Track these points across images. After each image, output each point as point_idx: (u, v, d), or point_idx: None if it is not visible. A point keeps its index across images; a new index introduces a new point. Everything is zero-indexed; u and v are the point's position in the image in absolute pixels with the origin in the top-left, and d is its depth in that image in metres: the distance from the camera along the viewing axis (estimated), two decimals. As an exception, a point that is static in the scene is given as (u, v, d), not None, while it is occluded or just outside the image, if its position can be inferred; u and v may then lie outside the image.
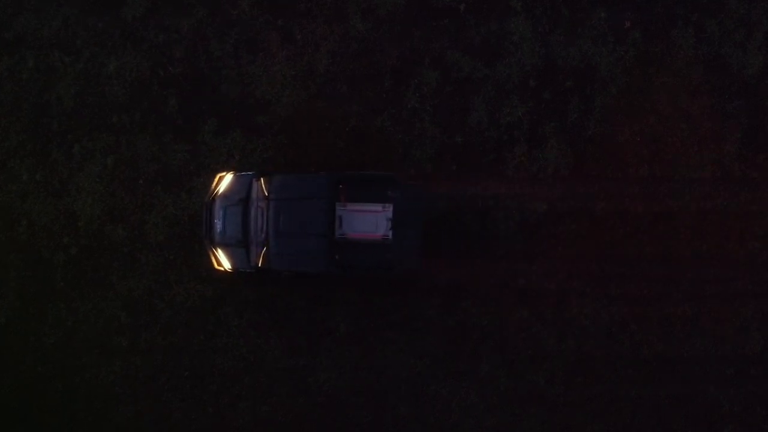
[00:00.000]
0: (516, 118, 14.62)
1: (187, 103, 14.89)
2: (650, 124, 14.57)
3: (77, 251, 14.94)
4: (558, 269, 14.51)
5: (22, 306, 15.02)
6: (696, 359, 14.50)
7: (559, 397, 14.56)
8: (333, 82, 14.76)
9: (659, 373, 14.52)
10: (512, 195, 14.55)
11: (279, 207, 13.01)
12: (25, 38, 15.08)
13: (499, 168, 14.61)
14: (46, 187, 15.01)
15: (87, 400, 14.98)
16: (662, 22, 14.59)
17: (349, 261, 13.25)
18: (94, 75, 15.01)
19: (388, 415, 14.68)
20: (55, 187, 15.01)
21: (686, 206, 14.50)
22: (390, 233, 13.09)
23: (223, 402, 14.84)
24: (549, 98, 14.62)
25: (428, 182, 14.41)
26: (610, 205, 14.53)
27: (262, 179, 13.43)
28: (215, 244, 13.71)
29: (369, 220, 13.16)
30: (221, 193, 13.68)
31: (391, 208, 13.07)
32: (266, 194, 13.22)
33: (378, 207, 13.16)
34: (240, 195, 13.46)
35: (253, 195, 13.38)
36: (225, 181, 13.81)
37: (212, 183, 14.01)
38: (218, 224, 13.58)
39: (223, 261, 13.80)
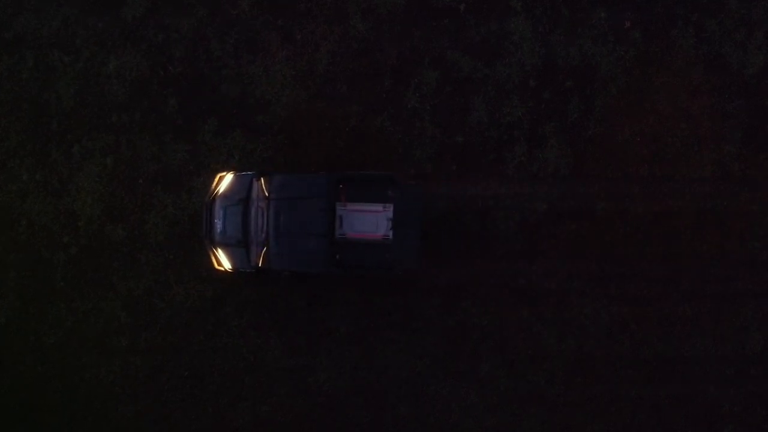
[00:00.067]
0: (516, 118, 14.62)
1: (187, 103, 14.89)
2: (650, 124, 14.57)
3: (77, 251, 14.94)
4: (558, 269, 14.52)
5: (22, 306, 15.01)
6: (696, 359, 14.51)
7: (559, 397, 14.57)
8: (333, 82, 14.76)
9: (659, 373, 14.53)
10: (512, 195, 14.55)
11: (279, 207, 13.01)
12: (25, 38, 15.07)
13: (499, 168, 14.61)
14: (46, 187, 15.01)
15: (87, 400, 14.97)
16: (662, 22, 14.59)
17: (349, 261, 13.25)
18: (94, 74, 15.00)
19: (388, 415, 14.68)
20: (54, 186, 15.00)
21: (686, 206, 14.51)
22: (390, 233, 13.09)
23: (223, 402, 14.84)
24: (549, 98, 14.62)
25: (428, 182, 14.41)
26: (610, 205, 14.54)
27: (262, 179, 13.42)
28: (215, 244, 13.71)
29: (369, 220, 13.16)
30: (221, 193, 13.68)
31: (391, 208, 13.07)
32: (266, 194, 13.22)
33: (378, 207, 13.16)
34: (240, 195, 13.46)
35: (254, 195, 13.38)
36: (225, 181, 13.80)
37: (212, 183, 14.01)
38: (218, 224, 13.57)
39: (223, 261, 13.80)
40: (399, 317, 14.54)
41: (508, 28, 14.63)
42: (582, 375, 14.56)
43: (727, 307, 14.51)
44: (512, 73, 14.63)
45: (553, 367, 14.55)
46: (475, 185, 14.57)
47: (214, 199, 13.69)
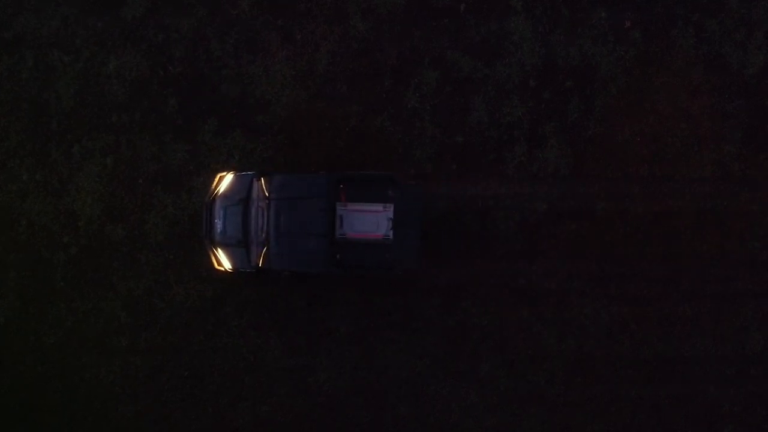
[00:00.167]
0: (516, 118, 14.62)
1: (187, 103, 14.88)
2: (650, 124, 14.57)
3: (77, 251, 14.93)
4: (558, 269, 14.52)
5: (22, 306, 15.01)
6: (696, 359, 14.52)
7: (559, 397, 14.57)
8: (333, 82, 14.75)
9: (659, 373, 14.53)
10: (512, 195, 14.55)
11: (279, 207, 13.01)
12: (25, 37, 15.06)
13: (499, 168, 14.61)
14: (46, 187, 15.00)
15: (87, 400, 14.97)
16: (662, 22, 14.59)
17: (349, 261, 13.24)
18: (94, 74, 14.99)
19: (388, 415, 14.68)
20: (54, 186, 14.99)
21: (686, 206, 14.51)
22: (390, 233, 13.09)
23: (223, 402, 14.83)
24: (549, 98, 14.62)
25: (428, 182, 14.41)
26: (610, 205, 14.54)
27: (262, 179, 13.42)
28: (215, 244, 13.71)
29: (370, 220, 13.15)
30: (221, 192, 13.68)
31: (391, 208, 13.07)
32: (266, 194, 13.21)
33: (379, 207, 13.15)
34: (240, 195, 13.46)
35: (254, 195, 13.38)
36: (225, 180, 13.80)
37: (212, 183, 14.00)
38: (218, 224, 13.57)
39: (223, 261, 13.80)
40: (399, 317, 14.54)
41: (508, 28, 14.63)
42: (582, 375, 14.56)
43: (727, 307, 14.52)
44: (512, 73, 14.63)
45: (553, 367, 14.55)
46: (475, 185, 14.57)
47: (214, 199, 13.69)
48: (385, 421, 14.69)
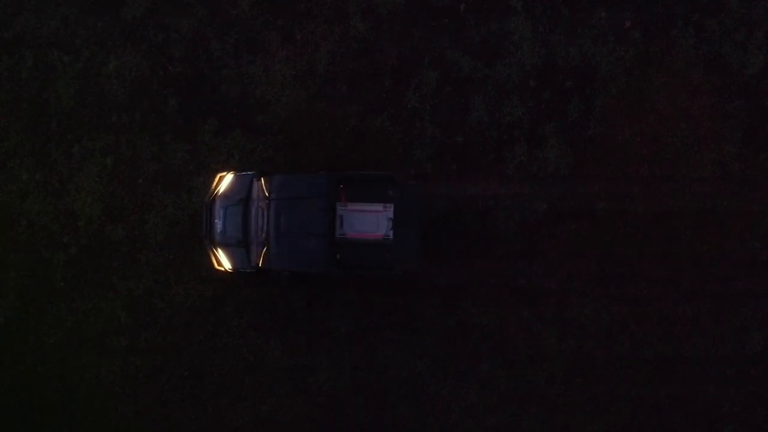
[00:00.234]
0: (516, 118, 14.62)
1: (187, 103, 14.88)
2: (650, 124, 14.57)
3: (77, 251, 14.93)
4: (558, 269, 14.52)
5: (22, 306, 15.01)
6: (696, 359, 14.52)
7: (559, 397, 14.57)
8: (333, 82, 14.75)
9: (659, 373, 14.53)
10: (512, 195, 14.55)
11: (279, 207, 13.00)
12: (25, 37, 15.06)
13: (499, 168, 14.61)
14: (46, 187, 15.00)
15: (87, 400, 14.97)
16: (662, 22, 14.59)
17: (349, 261, 13.24)
18: (94, 74, 14.99)
19: (388, 415, 14.68)
20: (54, 186, 14.99)
21: (686, 206, 14.51)
22: (390, 233, 13.09)
23: (223, 402, 14.83)
24: (549, 98, 14.62)
25: (428, 182, 14.41)
26: (610, 205, 14.54)
27: (262, 179, 13.42)
28: (215, 244, 13.71)
29: (370, 220, 13.15)
30: (221, 192, 13.68)
31: (391, 208, 13.07)
32: (266, 194, 13.21)
33: (379, 207, 13.15)
34: (240, 195, 13.46)
35: (254, 195, 13.38)
36: (225, 180, 13.80)
37: (212, 183, 14.00)
38: (218, 224, 13.57)
39: (223, 261, 13.80)
40: (399, 317, 14.54)
41: (508, 28, 14.63)
42: (582, 375, 14.56)
43: (727, 307, 14.52)
44: (512, 73, 14.63)
45: (553, 367, 14.55)
46: (475, 185, 14.57)
47: (214, 199, 13.69)
48: (385, 421, 14.69)
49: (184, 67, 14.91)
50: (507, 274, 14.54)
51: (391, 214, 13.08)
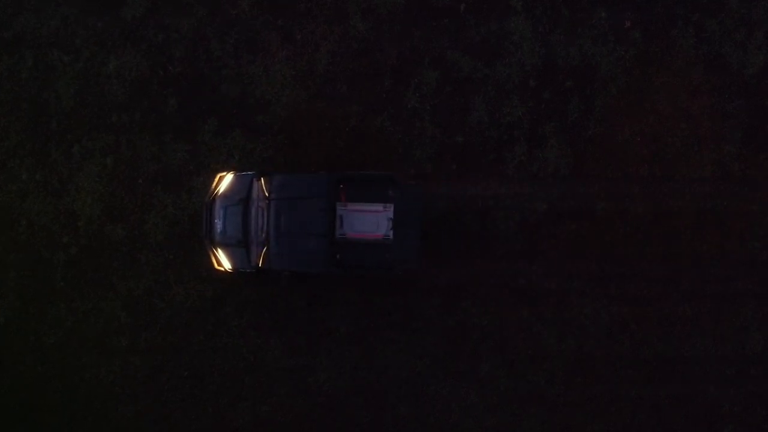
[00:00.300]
0: (516, 118, 14.62)
1: (187, 103, 14.88)
2: (650, 124, 14.57)
3: (77, 251, 14.93)
4: (558, 269, 14.52)
5: (22, 306, 15.01)
6: (696, 359, 14.51)
7: (559, 397, 14.57)
8: (333, 82, 14.75)
9: (659, 373, 14.53)
10: (512, 195, 14.55)
11: (279, 207, 13.00)
12: (25, 37, 15.07)
13: (499, 168, 14.61)
14: (46, 187, 15.00)
15: (87, 400, 14.97)
16: (662, 22, 14.59)
17: (349, 261, 13.24)
18: (94, 74, 15.00)
19: (388, 415, 14.68)
20: (54, 186, 14.99)
21: (686, 206, 14.51)
22: (390, 233, 13.09)
23: (223, 402, 14.83)
24: (549, 98, 14.62)
25: (428, 182, 14.41)
26: (610, 205, 14.54)
27: (262, 179, 13.42)
28: (215, 244, 13.71)
29: (370, 220, 13.15)
30: (221, 192, 13.68)
31: (391, 208, 13.07)
32: (266, 194, 13.21)
33: (379, 207, 13.15)
34: (240, 195, 13.46)
35: (254, 195, 13.38)
36: (225, 180, 13.80)
37: (212, 183, 14.00)
38: (218, 224, 13.57)
39: (223, 261, 13.79)
40: (399, 317, 14.54)
41: (508, 28, 14.63)
42: (582, 375, 14.56)
43: (727, 307, 14.52)
44: (512, 73, 14.63)
45: (553, 367, 14.55)
46: (475, 185, 14.57)
47: (214, 199, 13.69)
48: (385, 421, 14.69)
49: (184, 67, 14.91)
50: (507, 274, 14.54)
51: (391, 214, 13.08)
